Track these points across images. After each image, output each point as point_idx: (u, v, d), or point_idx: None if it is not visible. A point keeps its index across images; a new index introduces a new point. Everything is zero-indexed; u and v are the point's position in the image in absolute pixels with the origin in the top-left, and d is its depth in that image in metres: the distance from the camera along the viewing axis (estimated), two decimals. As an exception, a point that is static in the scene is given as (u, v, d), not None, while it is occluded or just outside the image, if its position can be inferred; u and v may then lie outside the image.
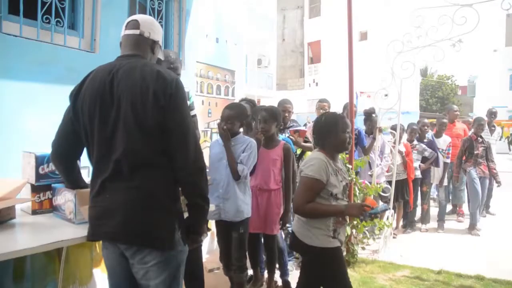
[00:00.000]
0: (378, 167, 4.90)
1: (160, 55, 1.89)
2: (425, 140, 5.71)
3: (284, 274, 3.50)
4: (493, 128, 6.70)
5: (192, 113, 2.97)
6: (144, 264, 1.63)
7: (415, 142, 5.59)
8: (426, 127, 5.81)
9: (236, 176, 2.84)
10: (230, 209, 2.89)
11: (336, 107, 5.22)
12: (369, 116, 5.26)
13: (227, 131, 2.86)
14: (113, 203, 1.60)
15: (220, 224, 3.06)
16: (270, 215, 3.17)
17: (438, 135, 5.93)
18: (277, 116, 3.19)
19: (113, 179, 1.60)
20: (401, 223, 5.72)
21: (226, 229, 3.01)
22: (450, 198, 6.46)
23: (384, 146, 5.07)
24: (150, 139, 1.60)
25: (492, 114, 6.84)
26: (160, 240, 1.61)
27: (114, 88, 1.62)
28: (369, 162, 4.87)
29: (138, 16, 1.81)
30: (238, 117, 2.91)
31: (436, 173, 5.81)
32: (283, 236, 3.64)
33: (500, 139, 6.87)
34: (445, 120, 6.07)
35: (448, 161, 5.84)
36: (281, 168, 3.21)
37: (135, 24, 1.75)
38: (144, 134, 1.59)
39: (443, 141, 5.85)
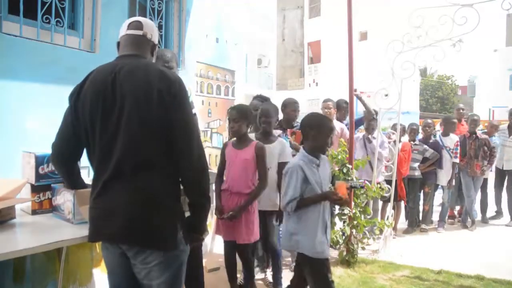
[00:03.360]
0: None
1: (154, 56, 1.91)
2: (430, 141, 5.66)
3: (277, 283, 3.25)
4: None
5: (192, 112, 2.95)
6: (147, 264, 1.63)
7: (416, 142, 5.57)
8: (428, 128, 5.74)
9: (289, 208, 2.49)
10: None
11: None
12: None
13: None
14: (115, 204, 1.59)
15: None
16: (240, 222, 2.88)
17: (444, 134, 5.79)
18: (248, 115, 2.96)
19: (114, 180, 1.60)
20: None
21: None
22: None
23: (383, 146, 5.05)
24: (152, 139, 1.59)
25: None
26: (163, 241, 1.61)
27: (117, 88, 1.61)
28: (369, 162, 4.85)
29: (140, 18, 1.82)
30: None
31: (440, 174, 5.65)
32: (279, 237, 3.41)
33: None
34: (454, 120, 5.92)
35: (457, 160, 5.59)
36: (255, 170, 2.94)
37: (138, 25, 1.75)
38: (147, 134, 1.59)
39: (450, 140, 5.66)
